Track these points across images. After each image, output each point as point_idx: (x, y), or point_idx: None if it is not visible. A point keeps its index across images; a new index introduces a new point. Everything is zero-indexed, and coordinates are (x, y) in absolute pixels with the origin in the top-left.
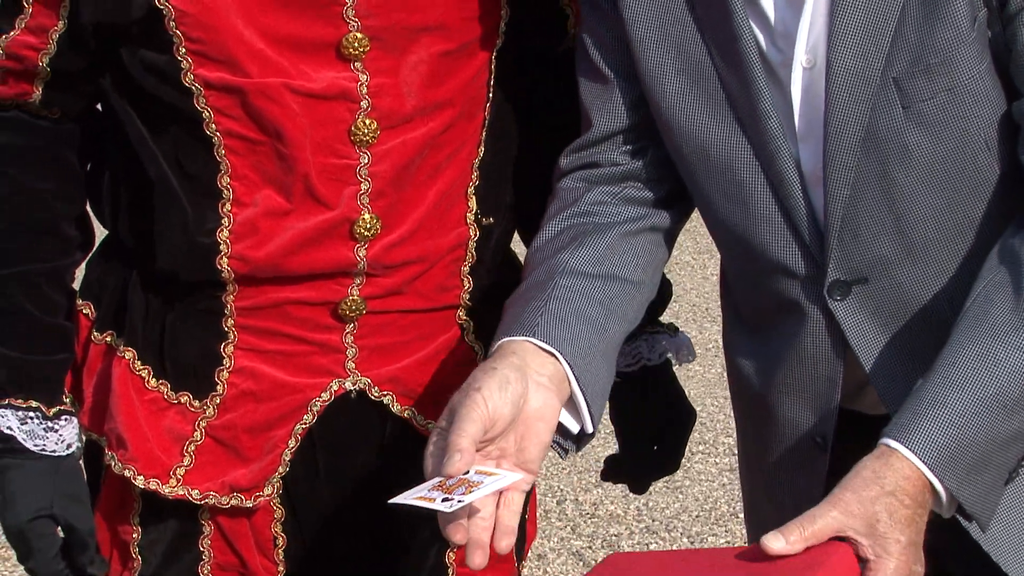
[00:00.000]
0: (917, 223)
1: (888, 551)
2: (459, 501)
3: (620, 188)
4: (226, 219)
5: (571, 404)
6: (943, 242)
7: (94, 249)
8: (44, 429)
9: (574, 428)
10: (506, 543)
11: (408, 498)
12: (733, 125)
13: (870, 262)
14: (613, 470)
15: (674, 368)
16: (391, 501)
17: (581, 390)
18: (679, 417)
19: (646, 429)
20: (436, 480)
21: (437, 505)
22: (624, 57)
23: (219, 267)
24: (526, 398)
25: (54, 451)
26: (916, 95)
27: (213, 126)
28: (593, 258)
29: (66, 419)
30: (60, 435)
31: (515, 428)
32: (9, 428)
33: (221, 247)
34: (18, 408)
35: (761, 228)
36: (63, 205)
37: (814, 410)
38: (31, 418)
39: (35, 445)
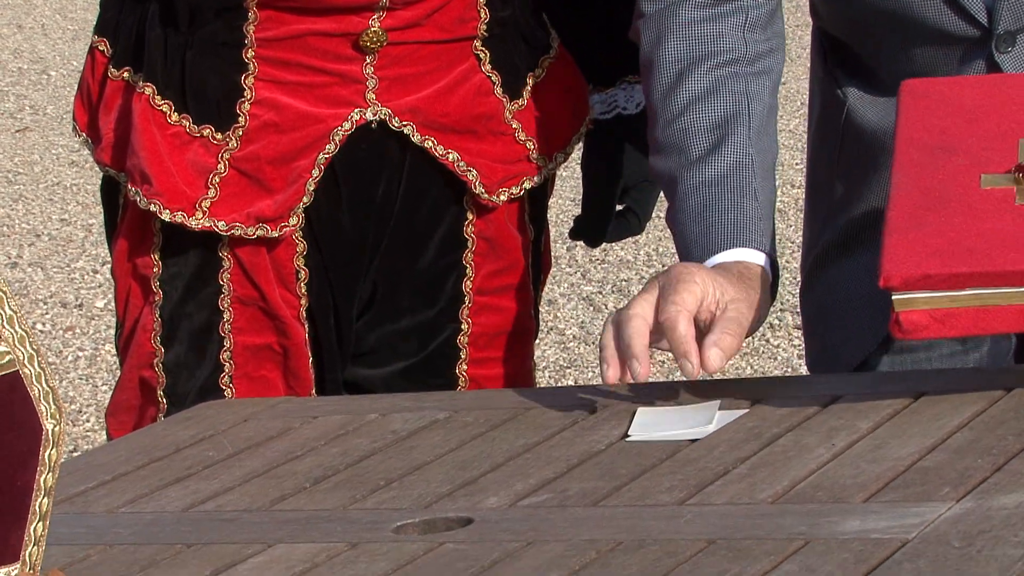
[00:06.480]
0: None
1: None
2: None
3: (744, 16)
4: None
5: None
6: None
7: None
8: None
9: None
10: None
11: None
12: None
13: None
14: (577, 226)
15: None
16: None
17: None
18: (649, 175)
19: (613, 183)
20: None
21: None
22: None
23: None
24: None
25: None
26: None
27: None
28: (760, 128)
29: None
30: None
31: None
32: None
33: None
34: None
35: (918, 2)
36: None
37: None
38: None
39: None
